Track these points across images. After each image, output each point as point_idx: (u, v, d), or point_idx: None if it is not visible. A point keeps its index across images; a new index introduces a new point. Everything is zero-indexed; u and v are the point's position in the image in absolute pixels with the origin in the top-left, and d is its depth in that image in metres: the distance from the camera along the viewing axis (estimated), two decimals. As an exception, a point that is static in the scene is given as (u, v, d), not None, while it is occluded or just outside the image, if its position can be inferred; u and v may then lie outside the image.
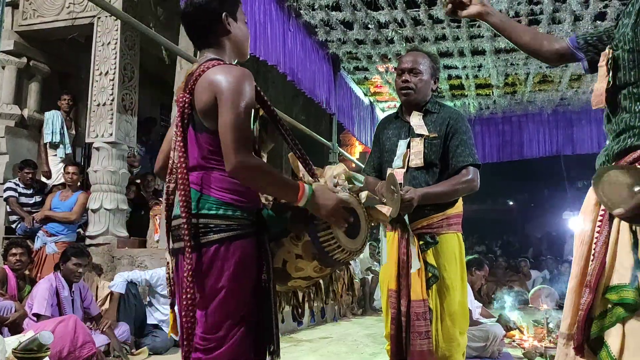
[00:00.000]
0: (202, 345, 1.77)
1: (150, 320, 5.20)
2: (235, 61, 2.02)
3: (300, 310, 2.15)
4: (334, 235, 1.84)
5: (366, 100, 10.57)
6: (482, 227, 19.18)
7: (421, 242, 2.67)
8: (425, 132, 2.75)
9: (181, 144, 1.83)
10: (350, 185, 2.01)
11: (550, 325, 5.77)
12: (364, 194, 2.01)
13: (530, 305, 10.12)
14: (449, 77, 9.49)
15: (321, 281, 2.11)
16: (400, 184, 2.61)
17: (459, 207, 2.81)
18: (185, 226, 1.76)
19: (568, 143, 11.23)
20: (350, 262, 2.08)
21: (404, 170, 2.74)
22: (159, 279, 5.21)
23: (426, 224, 2.70)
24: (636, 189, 1.49)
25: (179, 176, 1.80)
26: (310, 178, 2.00)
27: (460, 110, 2.84)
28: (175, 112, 2.09)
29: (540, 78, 9.55)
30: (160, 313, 5.22)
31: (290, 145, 2.01)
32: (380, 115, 11.57)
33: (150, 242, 6.50)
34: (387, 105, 11.43)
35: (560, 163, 15.35)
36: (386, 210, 2.04)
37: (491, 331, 4.90)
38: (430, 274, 2.64)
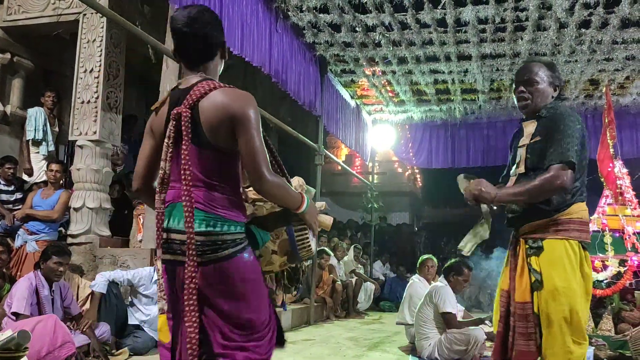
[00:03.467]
0: (246, 339, 1.95)
1: (132, 321, 5.15)
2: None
3: None
4: (307, 236, 2.17)
5: (352, 103, 10.58)
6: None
7: (526, 247, 2.69)
8: (526, 140, 2.78)
9: (187, 159, 1.88)
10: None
11: (531, 329, 5.81)
12: (319, 204, 2.36)
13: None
14: (435, 82, 9.54)
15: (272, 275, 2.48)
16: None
17: (570, 213, 2.66)
18: (190, 242, 1.85)
19: (551, 149, 11.33)
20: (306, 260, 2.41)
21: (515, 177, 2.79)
22: (142, 279, 5.16)
23: (534, 229, 2.69)
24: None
25: (185, 191, 1.87)
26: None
27: (568, 109, 2.74)
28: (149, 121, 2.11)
29: (525, 84, 9.64)
30: (142, 313, 5.17)
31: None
32: (367, 119, 11.60)
33: (133, 242, 6.44)
34: (374, 109, 11.46)
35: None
36: (328, 219, 2.35)
37: (472, 335, 4.93)
38: (533, 279, 2.63)
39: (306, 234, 2.17)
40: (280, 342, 2.12)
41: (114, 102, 6.27)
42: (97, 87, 6.10)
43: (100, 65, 6.12)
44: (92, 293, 4.95)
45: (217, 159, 1.93)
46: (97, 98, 6.08)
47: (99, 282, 4.94)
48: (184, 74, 2.06)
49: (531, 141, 2.74)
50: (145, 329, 5.13)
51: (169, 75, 6.15)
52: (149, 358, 4.87)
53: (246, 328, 1.94)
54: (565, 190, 2.58)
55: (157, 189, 1.96)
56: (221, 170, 1.94)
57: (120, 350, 4.77)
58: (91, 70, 6.14)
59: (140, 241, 6.19)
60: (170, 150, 1.94)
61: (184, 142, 1.89)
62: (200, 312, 1.89)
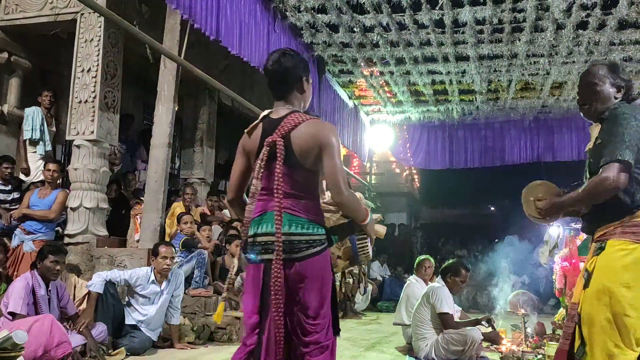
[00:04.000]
0: (314, 327, 2.33)
1: (129, 321, 5.14)
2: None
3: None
4: (367, 244, 2.60)
5: (350, 103, 10.60)
6: (463, 231, 19.36)
7: (595, 249, 2.62)
8: (590, 145, 2.73)
9: (280, 177, 2.32)
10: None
11: (528, 330, 5.83)
12: (376, 216, 2.75)
13: (508, 309, 10.21)
14: (433, 82, 9.55)
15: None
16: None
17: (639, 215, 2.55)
18: (279, 242, 2.27)
19: (549, 150, 11.37)
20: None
21: None
22: (139, 279, 5.15)
23: (604, 232, 2.61)
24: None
25: (277, 202, 2.30)
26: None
27: (627, 107, 2.58)
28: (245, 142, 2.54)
29: (522, 85, 9.66)
30: (139, 313, 5.16)
31: None
32: (365, 119, 11.60)
33: (130, 242, 6.44)
34: (372, 109, 11.48)
35: (541, 169, 15.52)
36: (383, 229, 2.77)
37: (469, 335, 4.93)
38: (584, 279, 2.59)
39: (366, 242, 2.60)
40: (337, 331, 2.42)
41: (111, 101, 6.26)
42: (94, 86, 6.08)
43: (97, 65, 6.11)
44: (89, 293, 4.93)
45: (303, 176, 2.37)
46: (94, 97, 6.07)
47: (96, 282, 4.93)
48: (274, 105, 2.50)
49: (594, 144, 2.67)
50: (142, 329, 5.12)
51: (167, 75, 6.15)
52: (146, 358, 4.86)
53: (319, 313, 2.33)
54: (618, 190, 2.49)
55: (249, 202, 2.40)
56: (306, 185, 2.39)
57: (117, 350, 4.76)
58: (89, 70, 6.13)
59: (138, 241, 6.18)
60: (262, 170, 2.36)
61: (277, 164, 2.32)
62: (287, 301, 2.30)
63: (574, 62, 8.30)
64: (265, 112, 2.48)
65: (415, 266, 6.44)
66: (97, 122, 6.03)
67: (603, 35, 7.35)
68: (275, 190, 2.30)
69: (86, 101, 6.08)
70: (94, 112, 6.05)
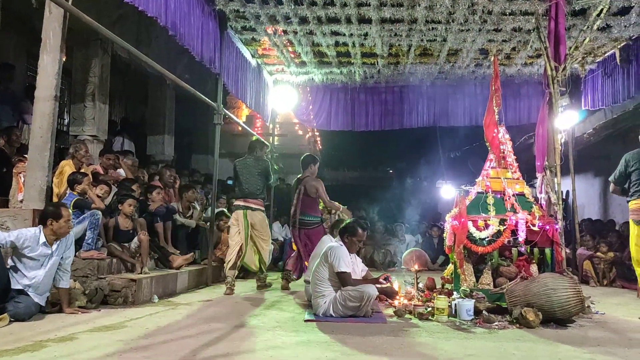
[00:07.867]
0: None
1: (15, 286, 4.82)
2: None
3: None
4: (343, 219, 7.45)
5: (253, 62, 10.39)
6: (362, 193, 19.94)
7: None
8: None
9: (301, 202, 7.67)
10: None
11: (420, 286, 6.15)
12: (342, 207, 7.91)
13: (402, 266, 10.74)
14: (337, 44, 9.58)
15: None
16: None
17: None
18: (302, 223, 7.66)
19: (444, 115, 11.88)
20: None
21: None
22: (26, 240, 4.82)
23: None
24: None
25: (299, 209, 7.68)
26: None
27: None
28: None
29: (421, 51, 9.93)
30: (26, 278, 4.84)
31: None
32: (268, 79, 11.44)
33: (13, 202, 5.99)
34: (275, 69, 11.33)
35: (436, 134, 16.25)
36: (349, 212, 7.83)
37: (365, 292, 5.12)
38: None
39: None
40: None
41: (-12, 48, 5.68)
42: (-33, 31, 5.49)
43: (-29, 7, 5.50)
44: (-34, 257, 4.55)
45: (310, 199, 7.54)
46: (-33, 43, 5.49)
47: (-26, 245, 4.55)
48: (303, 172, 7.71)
49: None
50: (29, 293, 4.83)
51: (52, 22, 5.67)
52: (32, 324, 4.58)
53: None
54: None
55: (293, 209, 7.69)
56: (312, 203, 7.59)
57: (0, 316, 4.46)
58: (-40, 12, 5.51)
59: (22, 201, 5.76)
60: (297, 197, 7.58)
61: (302, 195, 7.57)
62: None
63: (468, 30, 8.64)
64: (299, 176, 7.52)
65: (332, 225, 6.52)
66: (-29, 70, 5.47)
67: (496, 5, 7.69)
68: (299, 206, 7.59)
69: (-42, 47, 5.48)
70: (-33, 59, 5.47)
